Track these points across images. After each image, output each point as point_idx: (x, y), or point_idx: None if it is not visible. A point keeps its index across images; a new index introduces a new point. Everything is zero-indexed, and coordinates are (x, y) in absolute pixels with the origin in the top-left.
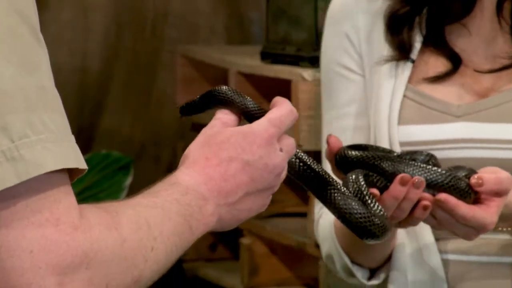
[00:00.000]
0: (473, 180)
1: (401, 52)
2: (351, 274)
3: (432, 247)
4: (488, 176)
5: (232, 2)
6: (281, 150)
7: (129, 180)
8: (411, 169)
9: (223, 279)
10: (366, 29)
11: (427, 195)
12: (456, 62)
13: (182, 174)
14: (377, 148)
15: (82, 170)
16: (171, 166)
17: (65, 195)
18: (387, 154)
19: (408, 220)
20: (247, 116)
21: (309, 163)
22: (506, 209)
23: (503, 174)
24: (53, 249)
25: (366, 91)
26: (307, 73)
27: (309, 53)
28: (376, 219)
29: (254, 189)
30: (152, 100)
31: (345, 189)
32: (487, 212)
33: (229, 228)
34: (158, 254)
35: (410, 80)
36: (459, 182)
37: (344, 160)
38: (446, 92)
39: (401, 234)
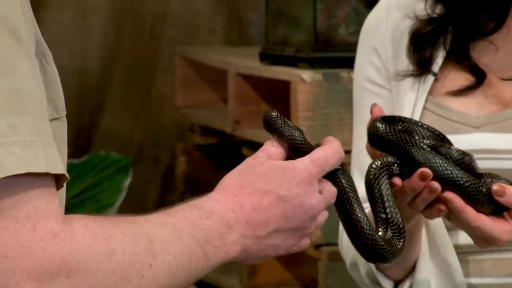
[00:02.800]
0: (495, 186)
1: (422, 67)
2: (376, 282)
3: (456, 267)
4: (511, 189)
5: (231, 4)
6: (320, 192)
7: (128, 181)
8: (435, 162)
9: (222, 280)
10: (393, 45)
11: (449, 195)
12: (479, 76)
13: (209, 198)
14: (412, 122)
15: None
16: (170, 167)
17: (46, 201)
18: (420, 140)
19: (426, 213)
20: (292, 148)
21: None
22: None
23: None
24: (29, 255)
25: (393, 106)
26: (306, 74)
27: (308, 54)
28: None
29: (285, 227)
30: (151, 101)
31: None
32: (499, 227)
33: (254, 262)
34: (159, 272)
35: (432, 93)
36: (477, 188)
37: (375, 136)
38: (467, 104)
39: (424, 246)
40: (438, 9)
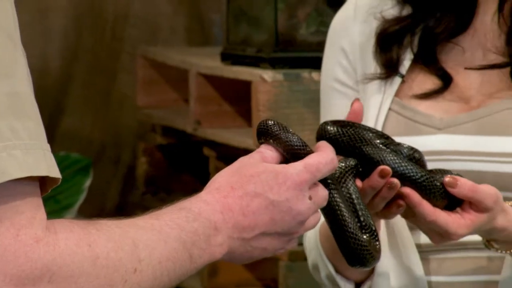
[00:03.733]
0: (448, 178)
1: (389, 69)
2: (336, 285)
3: (417, 266)
4: (465, 181)
5: (193, 4)
6: (310, 198)
7: (88, 182)
8: (391, 159)
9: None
10: (361, 46)
11: (406, 190)
12: (446, 80)
13: (198, 199)
14: (360, 127)
15: (57, 179)
16: (131, 167)
17: (31, 206)
18: (370, 138)
19: (384, 212)
20: (290, 152)
21: None
22: (505, 233)
23: (486, 187)
24: (11, 260)
25: None
26: (267, 74)
27: (269, 55)
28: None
29: (273, 231)
30: (112, 101)
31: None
32: (455, 222)
33: (240, 263)
34: (143, 277)
35: (398, 95)
36: (431, 181)
37: (326, 139)
38: (432, 106)
39: (384, 242)
40: (405, 10)
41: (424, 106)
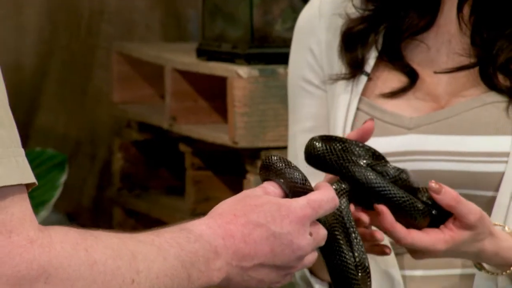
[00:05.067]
0: (433, 184)
1: (354, 69)
2: (310, 285)
3: (392, 261)
4: (450, 190)
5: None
6: (311, 234)
7: (63, 178)
8: (374, 181)
9: None
10: (327, 44)
11: (382, 208)
12: (412, 76)
13: (201, 222)
14: (349, 142)
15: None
16: (107, 163)
17: (19, 208)
18: (358, 155)
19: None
20: (291, 189)
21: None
22: (498, 258)
23: (470, 203)
24: (6, 261)
25: (327, 106)
26: (242, 70)
27: (244, 50)
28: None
29: (272, 263)
30: (88, 97)
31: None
32: (431, 238)
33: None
34: None
35: (366, 94)
36: (412, 203)
37: (314, 155)
38: (400, 105)
39: None
40: (369, 7)
41: (392, 105)
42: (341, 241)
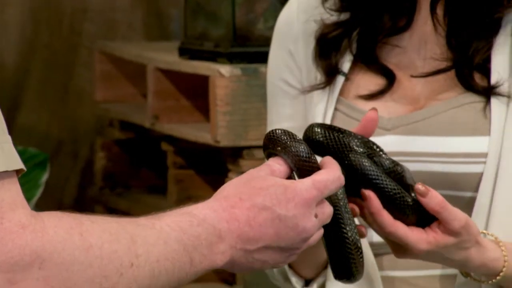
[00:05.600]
0: (420, 185)
1: (329, 76)
2: (287, 279)
3: (371, 262)
4: (436, 194)
5: None
6: (316, 216)
7: (45, 177)
8: (369, 169)
9: None
10: (305, 46)
11: (369, 193)
12: (389, 77)
13: (205, 206)
14: (347, 133)
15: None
16: (89, 162)
17: (10, 193)
18: (356, 145)
19: None
20: (296, 164)
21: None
22: (484, 268)
23: (457, 210)
24: None
25: (306, 107)
26: (224, 69)
27: (226, 49)
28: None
29: (276, 245)
30: (70, 96)
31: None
32: (415, 235)
33: (238, 272)
34: (140, 273)
35: (344, 94)
36: (402, 197)
37: (314, 140)
38: (378, 106)
39: None
40: (344, 14)
41: (370, 106)
42: (341, 220)
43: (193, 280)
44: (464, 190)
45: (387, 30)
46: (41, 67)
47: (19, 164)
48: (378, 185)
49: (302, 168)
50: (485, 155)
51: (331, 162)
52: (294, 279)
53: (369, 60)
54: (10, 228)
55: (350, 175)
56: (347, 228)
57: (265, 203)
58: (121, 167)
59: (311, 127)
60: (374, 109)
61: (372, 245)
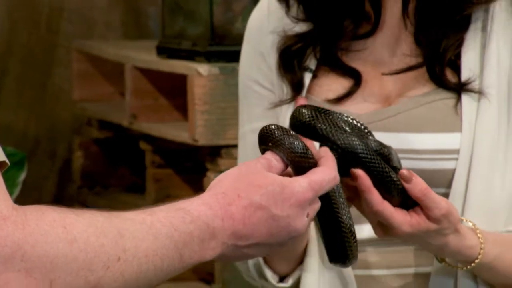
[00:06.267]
0: (405, 171)
1: (296, 92)
2: (262, 275)
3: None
4: (421, 181)
5: None
6: (307, 215)
7: (23, 176)
8: (358, 146)
9: None
10: (274, 48)
11: (359, 172)
12: (357, 80)
13: (201, 202)
14: (332, 112)
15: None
16: (67, 161)
17: None
18: (342, 126)
19: None
20: (291, 160)
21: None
22: (459, 255)
23: (440, 198)
24: None
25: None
26: (202, 68)
27: (204, 48)
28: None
29: (267, 242)
30: (48, 95)
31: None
32: (400, 216)
33: (224, 262)
34: (127, 267)
35: (313, 92)
36: (390, 176)
37: (301, 122)
38: (349, 104)
39: (313, 238)
40: (307, 23)
41: (342, 103)
42: (336, 205)
43: (171, 279)
44: (436, 187)
45: (352, 36)
46: (19, 66)
47: (1, 156)
48: (368, 164)
49: (298, 164)
50: (457, 151)
51: (328, 159)
52: (269, 274)
53: (334, 63)
54: None
55: (340, 155)
56: (342, 212)
57: (262, 202)
58: (99, 166)
59: (298, 109)
60: (304, 98)
61: None
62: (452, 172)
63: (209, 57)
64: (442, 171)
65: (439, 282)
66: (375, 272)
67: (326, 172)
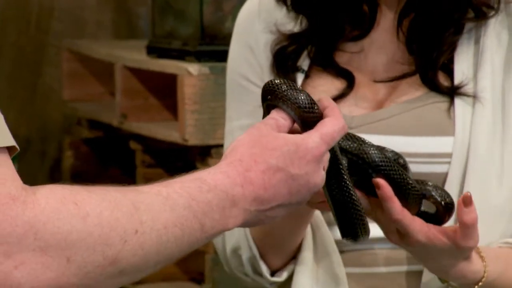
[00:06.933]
0: (469, 194)
1: None
2: (255, 270)
3: (336, 258)
4: (474, 208)
5: None
6: (324, 168)
7: None
8: (376, 155)
9: None
10: (265, 43)
11: (381, 181)
12: (350, 81)
13: (217, 171)
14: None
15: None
16: (57, 161)
17: (0, 169)
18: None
19: None
20: (298, 115)
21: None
22: (463, 280)
23: (477, 233)
24: None
25: None
26: (192, 68)
27: (195, 48)
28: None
29: (288, 202)
30: (38, 95)
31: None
32: (417, 225)
33: (246, 227)
34: (146, 239)
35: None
36: (412, 185)
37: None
38: (342, 106)
39: (308, 235)
40: (302, 20)
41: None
42: (347, 183)
43: (161, 279)
44: None
45: (345, 36)
46: (9, 65)
47: (11, 141)
48: (388, 173)
49: (305, 119)
50: (449, 155)
51: (332, 108)
52: (264, 269)
53: (328, 64)
54: (0, 200)
55: (358, 165)
56: (352, 189)
57: (279, 164)
58: (89, 166)
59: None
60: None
61: (337, 242)
62: (444, 176)
63: (199, 57)
64: (434, 175)
65: (432, 280)
66: (368, 270)
67: (335, 123)
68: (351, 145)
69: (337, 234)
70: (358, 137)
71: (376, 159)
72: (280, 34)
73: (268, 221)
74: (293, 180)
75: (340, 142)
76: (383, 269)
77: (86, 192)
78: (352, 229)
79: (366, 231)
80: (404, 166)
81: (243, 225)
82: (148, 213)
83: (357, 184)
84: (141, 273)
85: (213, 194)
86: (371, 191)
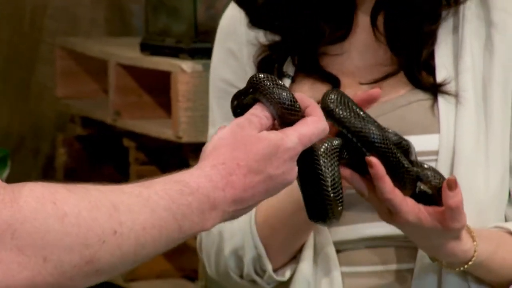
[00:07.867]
0: (453, 178)
1: None
2: (256, 271)
3: (332, 257)
4: (460, 191)
5: None
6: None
7: (6, 173)
8: (375, 135)
9: None
10: (248, 47)
11: (373, 159)
12: (335, 84)
13: (201, 174)
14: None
15: None
16: (50, 158)
17: None
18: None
19: None
20: (279, 113)
21: None
22: (452, 258)
23: (464, 214)
24: None
25: None
26: (186, 65)
27: (188, 45)
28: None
29: (262, 199)
30: (31, 92)
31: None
32: (409, 205)
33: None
34: (124, 240)
35: None
36: (407, 168)
37: (322, 103)
38: None
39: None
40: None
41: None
42: (317, 160)
43: (155, 276)
44: None
45: (326, 39)
46: (2, 63)
47: None
48: (382, 151)
49: (285, 117)
50: (435, 153)
51: (314, 108)
52: (270, 267)
53: (312, 69)
54: None
55: (355, 142)
56: (324, 168)
57: (260, 167)
58: (82, 163)
59: (327, 92)
60: (379, 89)
61: (333, 243)
62: None
63: (193, 54)
64: None
65: (423, 278)
66: (360, 269)
67: (316, 126)
68: (351, 120)
69: (335, 235)
70: (361, 113)
71: (372, 138)
72: (261, 45)
73: (241, 215)
74: (271, 180)
75: (341, 114)
76: (375, 268)
77: (66, 191)
78: (318, 211)
79: (335, 215)
80: (406, 150)
81: (219, 222)
82: (128, 214)
83: (353, 164)
84: (118, 272)
85: (194, 197)
86: (366, 171)
